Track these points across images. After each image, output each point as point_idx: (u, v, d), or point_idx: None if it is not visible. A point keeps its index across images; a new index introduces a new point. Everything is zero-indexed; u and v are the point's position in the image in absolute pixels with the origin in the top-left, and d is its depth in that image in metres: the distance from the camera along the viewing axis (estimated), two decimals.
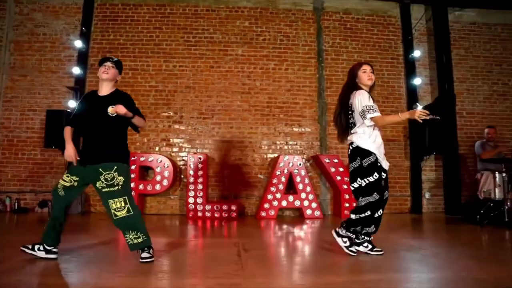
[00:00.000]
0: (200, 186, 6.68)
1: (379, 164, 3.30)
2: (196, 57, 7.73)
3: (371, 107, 3.28)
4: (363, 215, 3.29)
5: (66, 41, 7.65)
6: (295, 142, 7.65)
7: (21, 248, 3.18)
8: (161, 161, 6.80)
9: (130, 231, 3.12)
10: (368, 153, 3.31)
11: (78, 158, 3.17)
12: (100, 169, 3.09)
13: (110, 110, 3.15)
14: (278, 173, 6.85)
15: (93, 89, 3.52)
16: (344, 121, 3.53)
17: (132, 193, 3.40)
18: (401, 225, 6.04)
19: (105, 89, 3.30)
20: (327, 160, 7.01)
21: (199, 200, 6.66)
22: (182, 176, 7.34)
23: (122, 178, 3.15)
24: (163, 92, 7.58)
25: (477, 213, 5.66)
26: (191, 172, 6.70)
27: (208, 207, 6.66)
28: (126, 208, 3.10)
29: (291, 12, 8.00)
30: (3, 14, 7.70)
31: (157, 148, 7.44)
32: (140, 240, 3.12)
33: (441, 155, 7.62)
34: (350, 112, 3.48)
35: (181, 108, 7.56)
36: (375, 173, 3.24)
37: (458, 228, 5.64)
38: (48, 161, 7.30)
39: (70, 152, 3.17)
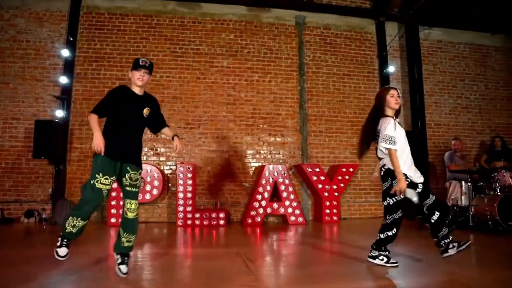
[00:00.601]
0: (189, 195, 6.91)
1: (410, 181, 3.45)
2: (183, 68, 7.92)
3: (391, 138, 3.39)
4: (390, 233, 3.56)
5: (51, 48, 7.61)
6: (278, 152, 8.03)
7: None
8: (150, 170, 6.96)
9: (127, 233, 3.25)
10: None
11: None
12: (128, 168, 3.24)
13: (145, 111, 3.34)
14: (263, 181, 7.19)
15: (123, 85, 3.48)
16: (367, 144, 3.75)
17: None
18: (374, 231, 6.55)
19: (139, 91, 3.37)
20: (309, 169, 7.43)
21: (188, 209, 6.89)
22: (170, 185, 7.53)
23: (141, 184, 3.35)
24: None
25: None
26: (181, 182, 6.91)
27: (197, 215, 6.91)
28: (135, 212, 3.29)
29: (274, 26, 8.36)
30: None
31: (144, 157, 7.57)
32: (130, 244, 3.29)
33: None
34: (377, 137, 3.59)
35: (169, 118, 7.72)
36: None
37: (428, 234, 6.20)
38: (34, 170, 7.26)
39: (99, 141, 3.06)
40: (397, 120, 3.64)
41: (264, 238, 5.90)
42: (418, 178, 3.54)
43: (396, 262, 3.61)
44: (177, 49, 7.96)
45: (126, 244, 3.27)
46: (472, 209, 6.17)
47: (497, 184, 6.11)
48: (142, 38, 7.88)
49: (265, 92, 8.14)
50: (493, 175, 6.23)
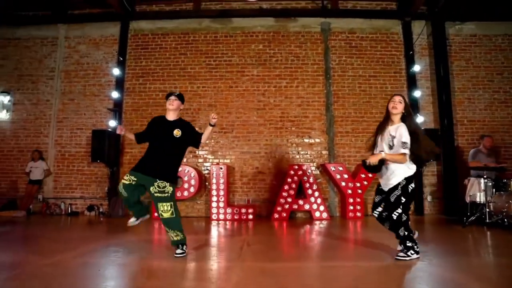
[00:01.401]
0: (221, 192, 7.73)
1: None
2: (217, 78, 8.79)
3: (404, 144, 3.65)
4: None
5: (105, 68, 8.94)
6: (306, 152, 8.56)
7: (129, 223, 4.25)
8: (188, 171, 7.90)
9: (172, 230, 3.95)
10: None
11: (123, 130, 4.14)
12: (157, 179, 3.99)
13: (176, 132, 4.02)
14: (289, 180, 7.79)
15: (149, 113, 4.58)
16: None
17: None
18: None
19: (171, 116, 4.12)
20: (333, 168, 7.87)
21: (221, 204, 7.71)
22: (207, 184, 8.43)
23: (171, 189, 4.04)
24: (189, 111, 8.69)
25: (464, 215, 6.38)
26: (214, 181, 7.76)
27: (229, 210, 7.70)
28: (170, 211, 3.94)
29: (300, 34, 8.91)
30: (55, 49, 9.11)
31: (185, 160, 8.55)
32: (179, 237, 4.01)
33: (440, 161, 8.25)
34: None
35: (205, 124, 8.62)
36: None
37: (450, 228, 6.37)
38: (94, 172, 8.61)
39: (123, 129, 4.18)
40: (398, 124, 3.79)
41: (280, 230, 6.51)
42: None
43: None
44: (212, 62, 8.85)
45: (175, 238, 4.02)
46: (491, 206, 6.22)
47: None
48: (180, 53, 8.90)
49: (292, 97, 8.72)
50: None
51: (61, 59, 9.08)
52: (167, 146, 4.02)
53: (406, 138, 3.61)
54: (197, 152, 8.60)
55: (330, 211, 8.08)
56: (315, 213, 7.73)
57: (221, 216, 7.68)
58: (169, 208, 3.97)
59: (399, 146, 3.64)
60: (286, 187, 7.78)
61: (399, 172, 3.70)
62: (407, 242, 3.74)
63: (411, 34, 8.81)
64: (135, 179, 3.92)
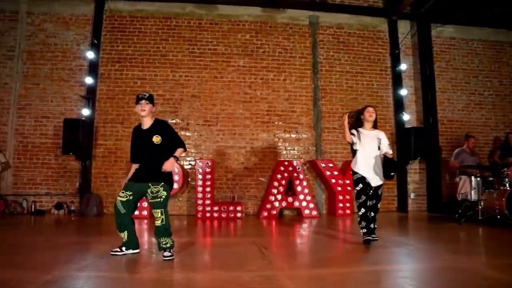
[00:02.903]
0: (208, 189, 7.26)
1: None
2: (201, 67, 8.27)
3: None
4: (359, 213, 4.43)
5: (76, 51, 8.07)
6: (293, 147, 8.31)
7: (112, 252, 3.70)
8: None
9: (162, 237, 3.63)
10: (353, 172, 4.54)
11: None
12: (150, 184, 3.65)
13: (155, 139, 3.69)
14: (279, 176, 7.49)
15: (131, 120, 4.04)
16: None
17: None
18: (389, 223, 6.79)
19: (146, 123, 3.78)
20: (323, 165, 7.69)
21: (207, 202, 7.23)
22: (189, 179, 7.89)
23: (165, 193, 3.67)
24: (170, 101, 8.10)
25: (456, 213, 6.45)
26: (200, 176, 7.27)
27: (215, 208, 7.25)
28: (161, 219, 3.60)
29: (288, 26, 8.63)
30: (15, 25, 8.05)
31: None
32: (168, 245, 3.65)
33: (424, 159, 8.39)
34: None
35: (188, 115, 8.10)
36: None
37: (439, 226, 6.41)
38: (62, 165, 7.73)
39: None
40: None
41: (278, 229, 6.20)
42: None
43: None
44: (195, 50, 8.31)
45: (165, 246, 3.63)
46: (482, 203, 6.33)
47: (507, 179, 6.24)
48: (162, 39, 8.26)
49: (280, 90, 8.43)
50: (502, 170, 6.36)
51: (23, 38, 8.05)
52: (152, 153, 3.72)
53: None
54: None
55: (318, 208, 7.89)
56: (304, 211, 7.51)
57: (208, 214, 7.21)
58: (159, 215, 3.63)
59: (386, 147, 4.49)
60: (275, 183, 7.48)
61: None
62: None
63: (396, 33, 8.86)
64: (130, 193, 3.69)
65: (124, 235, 3.72)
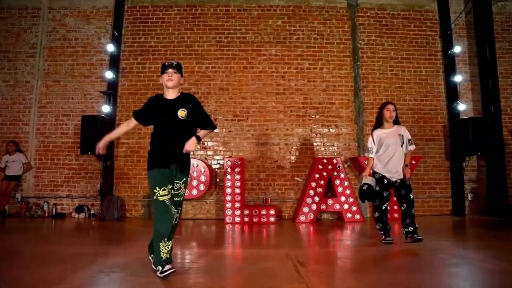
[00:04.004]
0: (237, 190, 6.55)
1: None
2: (229, 58, 7.58)
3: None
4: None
5: (97, 45, 7.61)
6: (332, 144, 7.45)
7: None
8: (197, 165, 6.68)
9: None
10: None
11: (101, 152, 3.34)
12: (177, 175, 3.08)
13: (180, 113, 3.09)
14: (317, 176, 6.67)
15: (155, 93, 3.40)
16: None
17: None
18: (446, 229, 5.82)
19: (171, 94, 3.20)
20: (367, 162, 6.76)
21: (237, 205, 6.53)
22: (217, 180, 7.22)
23: (184, 191, 3.15)
24: (196, 95, 7.32)
25: None
26: (229, 177, 6.57)
27: (246, 211, 6.52)
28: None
29: (324, 10, 7.78)
30: (37, 21, 7.73)
31: (191, 152, 7.31)
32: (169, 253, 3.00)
33: (484, 155, 7.28)
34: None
35: (215, 110, 7.43)
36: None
37: (509, 234, 5.36)
38: (83, 166, 7.28)
39: (100, 143, 3.32)
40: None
41: (317, 237, 5.38)
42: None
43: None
44: (223, 39, 7.64)
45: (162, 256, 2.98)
46: None
47: None
48: (186, 29, 7.64)
49: (316, 80, 7.59)
50: None
51: (44, 34, 7.69)
52: (177, 130, 3.11)
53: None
54: (205, 143, 7.37)
55: (361, 211, 6.99)
56: (346, 214, 6.63)
57: (237, 219, 6.50)
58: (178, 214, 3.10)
59: (408, 144, 4.40)
60: (313, 184, 6.66)
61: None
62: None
63: (448, 11, 7.78)
64: (170, 186, 3.02)
65: (169, 246, 2.96)
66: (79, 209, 6.98)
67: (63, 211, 7.15)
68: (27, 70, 7.64)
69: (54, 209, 7.03)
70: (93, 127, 6.53)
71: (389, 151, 4.33)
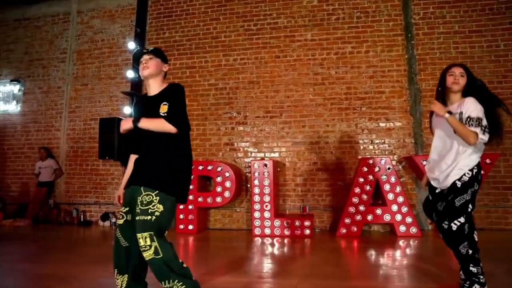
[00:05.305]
0: (267, 198, 5.68)
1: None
2: (259, 47, 6.74)
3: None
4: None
5: (122, 44, 7.27)
6: (382, 140, 6.23)
7: None
8: (221, 169, 5.94)
9: (167, 281, 2.15)
10: None
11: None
12: (142, 188, 2.26)
13: (162, 108, 2.33)
14: (361, 180, 5.54)
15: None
16: None
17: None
18: None
19: (153, 87, 2.49)
20: (425, 162, 5.47)
21: (266, 214, 5.66)
22: (248, 186, 6.42)
23: (161, 207, 2.21)
24: (224, 90, 6.74)
25: None
26: (256, 182, 5.73)
27: (277, 222, 5.63)
28: (152, 248, 2.12)
29: None
30: (67, 26, 7.67)
31: (220, 154, 6.62)
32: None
33: None
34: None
35: (245, 106, 6.65)
36: None
37: None
38: (109, 172, 6.97)
39: (117, 195, 2.55)
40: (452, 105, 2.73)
41: (360, 258, 4.31)
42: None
43: None
44: (252, 26, 6.82)
45: None
46: None
47: None
48: (212, 19, 6.96)
49: (361, 66, 6.43)
50: None
51: (73, 38, 7.57)
52: (154, 134, 2.32)
53: (478, 112, 2.54)
54: (235, 144, 6.62)
55: (419, 223, 5.71)
56: (399, 227, 5.40)
57: (267, 231, 5.62)
58: (147, 241, 2.11)
59: (467, 123, 2.55)
60: (357, 189, 5.55)
61: (464, 163, 2.61)
62: (471, 266, 2.59)
63: None
64: (127, 208, 2.34)
65: (121, 281, 2.31)
66: (104, 217, 6.66)
67: (91, 218, 6.91)
68: (58, 76, 7.57)
69: (82, 216, 6.79)
70: (110, 131, 6.11)
71: (435, 139, 2.85)
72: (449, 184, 2.63)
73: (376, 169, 5.54)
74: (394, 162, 5.99)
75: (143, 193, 2.22)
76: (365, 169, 5.58)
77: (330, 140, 6.37)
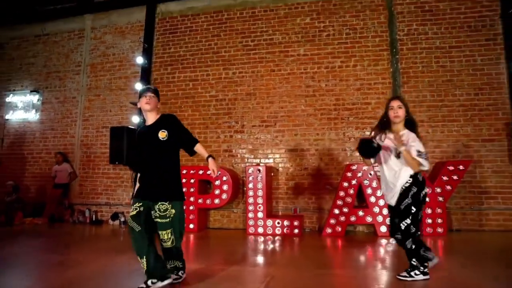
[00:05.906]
0: (260, 200, 6.26)
1: None
2: (256, 61, 7.34)
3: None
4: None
5: (131, 58, 7.93)
6: None
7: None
8: (219, 174, 6.54)
9: (172, 260, 3.23)
10: None
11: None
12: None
13: (161, 135, 3.14)
14: (345, 184, 6.09)
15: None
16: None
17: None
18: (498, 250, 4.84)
19: (151, 118, 3.26)
20: None
21: (260, 215, 6.23)
22: (245, 189, 7.00)
23: (173, 212, 3.10)
24: (223, 101, 7.35)
25: None
26: (251, 186, 6.32)
27: (269, 222, 6.20)
28: (170, 240, 3.13)
29: (357, 1, 7.12)
30: (82, 41, 8.35)
31: (219, 160, 7.22)
32: (179, 266, 3.26)
33: None
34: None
35: (242, 116, 7.24)
36: None
37: None
38: (119, 175, 7.62)
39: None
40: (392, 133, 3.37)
41: (335, 253, 4.85)
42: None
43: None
44: (249, 42, 7.42)
45: (169, 267, 3.22)
46: None
47: None
48: (213, 35, 7.58)
49: (349, 79, 6.97)
50: None
51: (87, 52, 8.27)
52: (157, 156, 3.17)
53: (420, 147, 3.21)
54: (233, 150, 7.21)
55: None
56: (379, 228, 5.93)
57: (260, 230, 6.20)
58: (169, 236, 3.12)
59: (419, 156, 3.17)
60: (341, 193, 6.09)
61: (405, 174, 3.24)
62: (413, 259, 3.27)
63: None
64: (140, 203, 3.10)
65: (143, 262, 3.00)
66: (114, 216, 7.30)
67: (102, 217, 7.56)
68: (73, 87, 8.26)
69: (94, 215, 7.46)
70: (119, 138, 6.77)
71: (384, 166, 3.42)
72: (398, 194, 3.28)
73: (359, 174, 6.07)
74: (377, 168, 6.49)
75: (159, 203, 3.06)
76: (349, 174, 6.11)
77: (319, 148, 6.92)
